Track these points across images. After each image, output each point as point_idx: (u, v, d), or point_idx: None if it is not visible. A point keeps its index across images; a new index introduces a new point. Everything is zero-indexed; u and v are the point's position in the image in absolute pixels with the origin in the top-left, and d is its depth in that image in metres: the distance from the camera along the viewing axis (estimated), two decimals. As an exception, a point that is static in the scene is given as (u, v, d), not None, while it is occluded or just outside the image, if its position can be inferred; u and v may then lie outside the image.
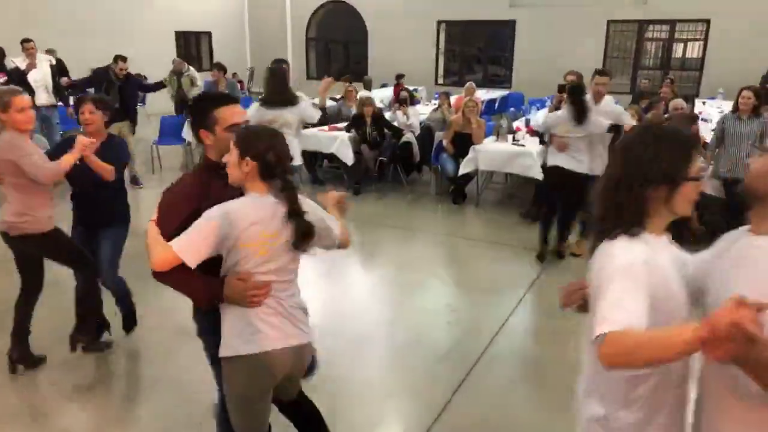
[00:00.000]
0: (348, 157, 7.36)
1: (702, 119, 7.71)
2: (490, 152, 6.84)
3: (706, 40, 12.32)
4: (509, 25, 13.95)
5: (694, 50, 13.25)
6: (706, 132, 6.76)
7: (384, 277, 5.31)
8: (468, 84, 9.38)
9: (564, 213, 5.25)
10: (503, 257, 5.66)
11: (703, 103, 10.59)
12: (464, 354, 3.83)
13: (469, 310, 4.59)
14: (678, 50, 13.88)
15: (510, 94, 13.14)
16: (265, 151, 1.98)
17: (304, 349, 2.20)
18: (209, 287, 2.03)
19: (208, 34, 15.89)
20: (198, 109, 2.19)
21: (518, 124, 8.10)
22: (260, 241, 2.01)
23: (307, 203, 2.14)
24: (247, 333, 2.05)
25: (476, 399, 3.38)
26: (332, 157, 7.87)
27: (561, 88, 6.94)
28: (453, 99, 9.05)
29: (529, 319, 4.51)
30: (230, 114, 2.14)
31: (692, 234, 5.85)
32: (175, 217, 2.01)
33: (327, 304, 4.59)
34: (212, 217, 1.95)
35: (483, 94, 11.96)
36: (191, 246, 1.94)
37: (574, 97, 4.97)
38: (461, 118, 7.25)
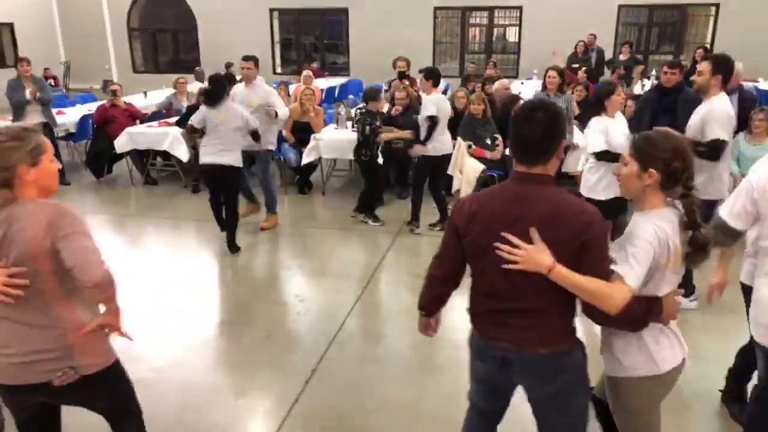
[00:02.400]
0: (183, 153, 6.96)
1: (522, 99, 8.40)
2: (330, 140, 6.87)
3: (520, 25, 13.44)
4: (343, 13, 14.09)
5: (512, 35, 14.41)
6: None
7: (229, 275, 5.13)
8: (305, 72, 9.32)
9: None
10: (351, 242, 5.75)
11: (522, 83, 11.57)
12: (315, 342, 3.83)
13: (319, 298, 4.59)
14: (499, 35, 15.02)
15: (349, 81, 13.31)
16: (672, 160, 1.89)
17: None
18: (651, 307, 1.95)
19: (10, 26, 14.09)
20: None
21: (356, 110, 8.21)
22: (674, 256, 1.95)
23: None
24: (648, 352, 2.01)
25: (328, 385, 3.40)
26: (166, 154, 7.40)
27: (401, 75, 7.17)
28: (292, 88, 8.95)
29: (377, 300, 4.62)
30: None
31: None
32: None
33: (171, 308, 4.35)
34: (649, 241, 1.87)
35: (322, 83, 11.98)
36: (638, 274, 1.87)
37: None
38: (299, 107, 7.20)
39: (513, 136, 1.86)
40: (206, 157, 5.14)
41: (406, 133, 6.33)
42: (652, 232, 1.86)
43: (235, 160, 5.17)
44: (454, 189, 6.14)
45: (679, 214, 1.95)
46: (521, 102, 7.04)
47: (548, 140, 1.82)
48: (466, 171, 5.99)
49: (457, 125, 6.26)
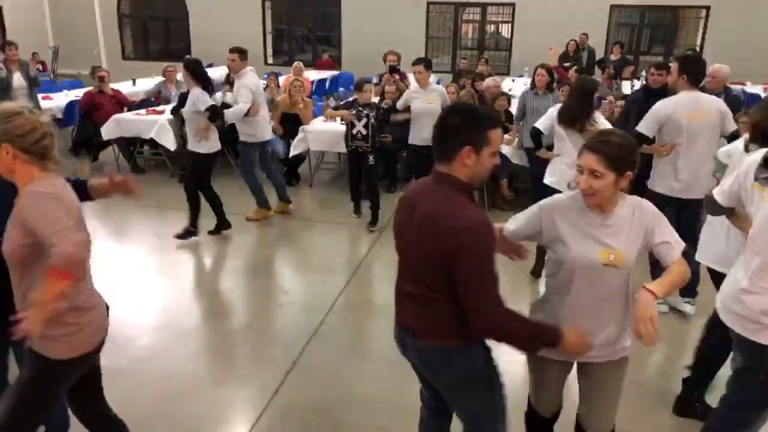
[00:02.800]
0: (169, 141, 6.92)
1: (512, 96, 8.41)
2: (318, 132, 6.85)
3: (512, 22, 13.44)
4: (335, 5, 14.02)
5: (504, 31, 14.41)
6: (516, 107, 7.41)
7: (215, 266, 5.12)
8: (296, 64, 9.28)
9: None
10: (337, 235, 5.75)
11: (513, 80, 11.59)
12: (296, 334, 3.84)
13: (302, 291, 4.60)
14: (492, 31, 15.01)
15: (340, 74, 13.26)
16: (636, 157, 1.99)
17: None
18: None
19: (-2, 8, 13.89)
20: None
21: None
22: None
23: None
24: None
25: (308, 378, 3.41)
26: (154, 143, 7.35)
27: (392, 69, 7.18)
28: (282, 79, 8.90)
29: (359, 295, 4.63)
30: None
31: (503, 199, 6.46)
32: None
33: (154, 298, 4.34)
34: None
35: (314, 75, 11.94)
36: None
37: None
38: (288, 98, 7.17)
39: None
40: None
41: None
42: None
43: (193, 145, 5.25)
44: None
45: None
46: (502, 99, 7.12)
47: (447, 141, 1.83)
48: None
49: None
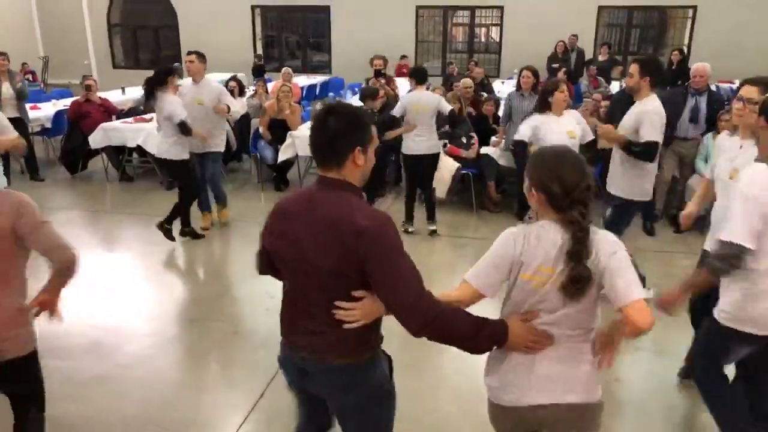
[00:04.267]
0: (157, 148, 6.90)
1: (499, 98, 8.44)
2: (306, 137, 6.78)
3: (501, 25, 13.51)
4: (325, 11, 14.06)
5: (494, 34, 14.48)
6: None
7: (201, 272, 5.13)
8: (284, 69, 9.31)
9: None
10: (325, 239, 5.74)
11: (502, 82, 11.65)
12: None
13: (290, 295, 4.59)
14: (482, 35, 15.08)
15: (331, 79, 13.30)
16: (549, 182, 1.73)
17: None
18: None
19: (-14, 18, 13.88)
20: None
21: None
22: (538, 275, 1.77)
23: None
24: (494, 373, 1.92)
25: (294, 381, 3.40)
26: (142, 151, 7.35)
27: (377, 73, 7.20)
28: (270, 86, 8.93)
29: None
30: None
31: (491, 200, 6.48)
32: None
33: (140, 305, 4.34)
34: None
35: (304, 80, 11.97)
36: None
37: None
38: (276, 104, 7.19)
39: (309, 142, 1.81)
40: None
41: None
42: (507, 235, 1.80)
43: (166, 151, 5.26)
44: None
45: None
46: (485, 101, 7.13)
47: (336, 145, 1.75)
48: (441, 169, 6.01)
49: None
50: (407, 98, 5.58)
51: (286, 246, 1.84)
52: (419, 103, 5.45)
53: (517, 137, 4.68)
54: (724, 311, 2.42)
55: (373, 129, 1.83)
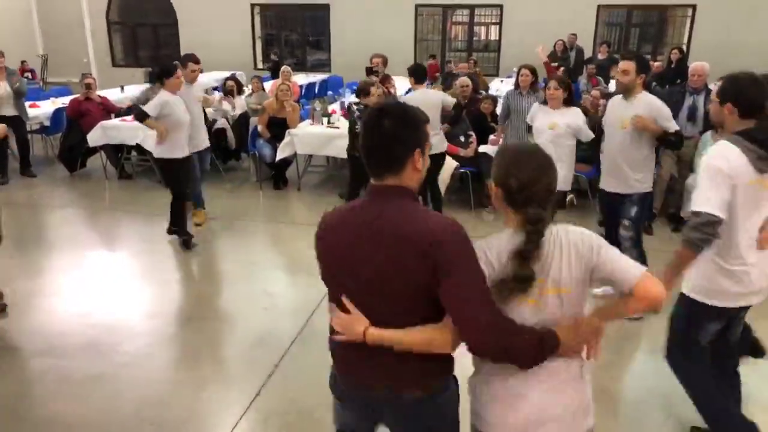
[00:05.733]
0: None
1: (498, 96, 8.44)
2: (305, 136, 6.86)
3: (500, 23, 13.50)
4: (324, 9, 14.05)
5: (493, 33, 14.46)
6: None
7: (199, 270, 5.12)
8: (283, 68, 9.30)
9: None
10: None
11: (501, 81, 11.64)
12: (279, 337, 3.84)
13: (287, 294, 4.60)
14: (481, 33, 15.06)
15: (330, 77, 13.28)
16: (506, 177, 1.66)
17: None
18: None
19: (-14, 17, 13.88)
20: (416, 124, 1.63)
21: (334, 107, 8.22)
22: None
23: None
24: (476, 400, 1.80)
25: (290, 381, 3.41)
26: (141, 149, 7.34)
27: (369, 71, 7.18)
28: (268, 84, 8.92)
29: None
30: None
31: (490, 199, 6.47)
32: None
33: (138, 303, 4.34)
34: None
35: (303, 79, 11.96)
36: None
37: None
38: (275, 102, 7.18)
39: (361, 146, 1.64)
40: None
41: None
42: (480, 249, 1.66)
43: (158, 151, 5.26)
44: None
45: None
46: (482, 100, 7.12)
47: (393, 150, 1.58)
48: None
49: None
50: (409, 98, 5.55)
51: (341, 268, 1.65)
52: (424, 101, 5.41)
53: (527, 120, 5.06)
54: (692, 285, 2.55)
55: (428, 126, 1.65)
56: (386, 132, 1.58)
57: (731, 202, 2.33)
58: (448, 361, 1.70)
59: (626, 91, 4.01)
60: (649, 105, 3.97)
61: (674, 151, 5.09)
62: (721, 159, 2.34)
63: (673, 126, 3.97)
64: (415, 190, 1.65)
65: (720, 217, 2.30)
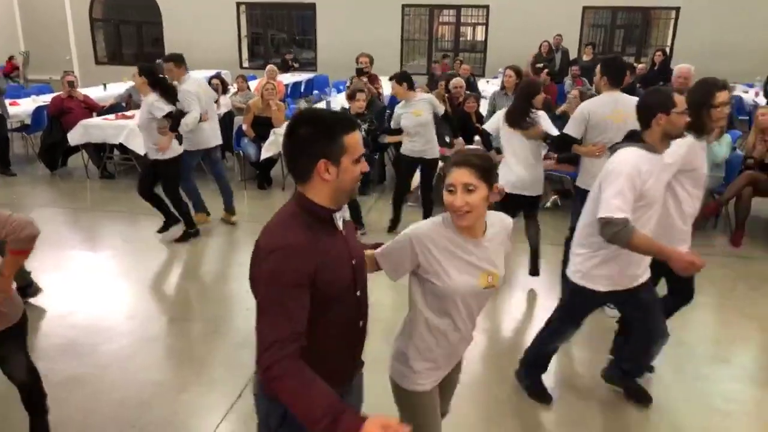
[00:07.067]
0: (139, 146, 6.83)
1: (483, 97, 8.47)
2: (290, 135, 6.82)
3: (487, 24, 13.54)
4: (310, 8, 14.01)
5: (479, 34, 14.52)
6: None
7: (183, 271, 5.08)
8: (269, 67, 9.26)
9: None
10: (307, 238, 5.71)
11: (488, 81, 11.69)
12: (263, 338, 3.81)
13: (272, 294, 4.56)
14: (468, 34, 15.11)
15: (316, 76, 13.25)
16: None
17: None
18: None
19: (-34, 13, 13.67)
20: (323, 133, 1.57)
21: (320, 106, 8.20)
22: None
23: None
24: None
25: (273, 381, 3.37)
26: (124, 148, 7.27)
27: (359, 72, 7.17)
28: (253, 83, 8.88)
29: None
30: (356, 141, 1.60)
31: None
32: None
33: (119, 304, 4.28)
34: None
35: (288, 78, 11.92)
36: None
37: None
38: (260, 101, 7.14)
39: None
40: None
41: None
42: None
43: (154, 153, 5.17)
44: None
45: None
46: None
47: (300, 158, 1.57)
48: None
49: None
50: (409, 106, 5.46)
51: None
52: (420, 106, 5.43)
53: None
54: (577, 271, 2.83)
55: (352, 137, 1.56)
56: (295, 142, 1.57)
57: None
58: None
59: (597, 91, 4.21)
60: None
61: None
62: (623, 164, 2.61)
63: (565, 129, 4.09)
64: (329, 199, 1.60)
65: (625, 217, 2.64)
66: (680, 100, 2.63)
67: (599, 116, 3.96)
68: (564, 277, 3.12)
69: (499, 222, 2.01)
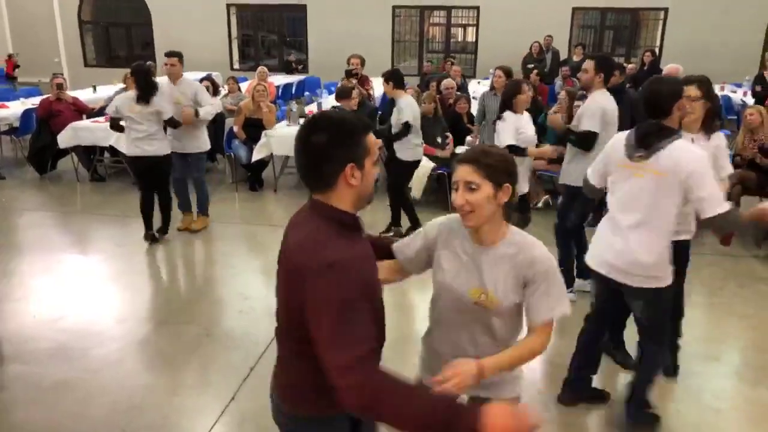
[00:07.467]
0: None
1: (473, 97, 8.49)
2: (281, 137, 6.81)
3: (477, 25, 13.58)
4: (301, 10, 13.99)
5: (470, 34, 14.56)
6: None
7: (174, 274, 5.05)
8: (260, 68, 9.24)
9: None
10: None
11: (478, 82, 11.71)
12: (255, 341, 3.80)
13: (264, 296, 4.54)
14: (459, 34, 15.15)
15: (307, 78, 13.23)
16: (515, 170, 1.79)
17: None
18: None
19: (-47, 16, 13.54)
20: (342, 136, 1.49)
21: (311, 108, 8.19)
22: None
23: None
24: None
25: (265, 385, 3.29)
26: (115, 151, 7.22)
27: (348, 73, 7.16)
28: (244, 85, 8.85)
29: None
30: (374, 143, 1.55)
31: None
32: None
33: (109, 307, 4.26)
34: None
35: (280, 79, 11.89)
36: None
37: None
38: (251, 103, 7.12)
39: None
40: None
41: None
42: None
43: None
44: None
45: None
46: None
47: (323, 166, 1.48)
48: (417, 169, 6.00)
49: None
50: (409, 102, 5.40)
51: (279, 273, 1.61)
52: (413, 110, 5.37)
53: (506, 142, 4.42)
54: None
55: (370, 136, 1.52)
56: (313, 149, 1.47)
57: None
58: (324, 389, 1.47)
59: (586, 88, 4.19)
60: (586, 104, 4.11)
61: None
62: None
63: (583, 126, 4.01)
64: (352, 206, 1.54)
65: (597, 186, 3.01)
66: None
67: (611, 113, 4.02)
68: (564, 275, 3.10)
69: (526, 250, 1.76)
